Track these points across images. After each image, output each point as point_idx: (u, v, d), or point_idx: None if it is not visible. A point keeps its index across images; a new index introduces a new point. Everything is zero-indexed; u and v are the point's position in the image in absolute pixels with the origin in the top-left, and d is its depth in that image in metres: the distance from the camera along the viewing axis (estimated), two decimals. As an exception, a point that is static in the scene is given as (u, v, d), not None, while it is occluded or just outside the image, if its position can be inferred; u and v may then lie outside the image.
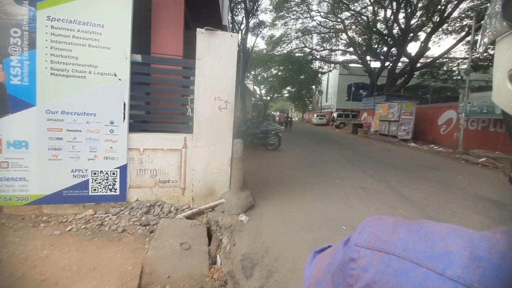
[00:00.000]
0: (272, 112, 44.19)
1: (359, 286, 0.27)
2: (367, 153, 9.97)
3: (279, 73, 36.70)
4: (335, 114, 29.84)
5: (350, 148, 11.07)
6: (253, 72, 40.53)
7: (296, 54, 30.06)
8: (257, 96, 47.31)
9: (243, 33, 16.08)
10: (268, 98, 47.25)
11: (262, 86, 45.74)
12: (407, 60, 20.26)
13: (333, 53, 31.48)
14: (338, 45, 29.84)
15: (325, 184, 5.23)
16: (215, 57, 3.48)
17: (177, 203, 3.61)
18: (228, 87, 3.59)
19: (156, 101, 3.68)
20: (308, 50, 30.01)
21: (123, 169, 3.35)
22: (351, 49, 26.68)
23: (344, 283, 0.29)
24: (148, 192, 3.52)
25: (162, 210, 3.44)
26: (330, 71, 34.10)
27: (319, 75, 36.77)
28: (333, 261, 0.33)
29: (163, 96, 3.67)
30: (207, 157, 3.58)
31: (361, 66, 26.28)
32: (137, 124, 3.55)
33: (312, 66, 32.64)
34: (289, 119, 21.93)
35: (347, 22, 24.82)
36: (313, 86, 46.30)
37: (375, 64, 26.72)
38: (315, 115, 35.17)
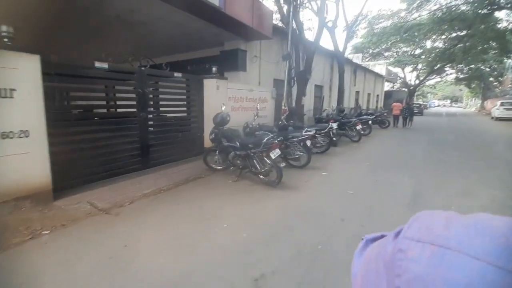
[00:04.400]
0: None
1: (407, 277, 0.26)
2: None
3: (430, 43, 25.28)
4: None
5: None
6: (395, 51, 30.62)
7: (462, 8, 18.85)
8: (399, 80, 35.88)
9: None
10: (417, 81, 34.70)
11: (410, 67, 33.89)
12: None
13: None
14: None
15: None
16: None
17: None
18: None
19: None
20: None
21: None
22: None
23: (393, 273, 0.28)
24: None
25: None
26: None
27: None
28: (383, 252, 0.31)
29: None
30: None
31: None
32: None
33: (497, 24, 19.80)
34: (406, 113, 13.88)
35: None
36: (506, 59, 29.55)
37: None
38: (497, 104, 21.29)
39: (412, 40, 25.07)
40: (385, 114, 14.28)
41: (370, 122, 10.59)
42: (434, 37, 24.79)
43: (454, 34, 22.28)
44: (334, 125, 7.74)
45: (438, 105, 71.70)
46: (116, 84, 4.43)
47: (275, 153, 3.96)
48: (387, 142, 9.12)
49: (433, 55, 27.68)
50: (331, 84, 14.83)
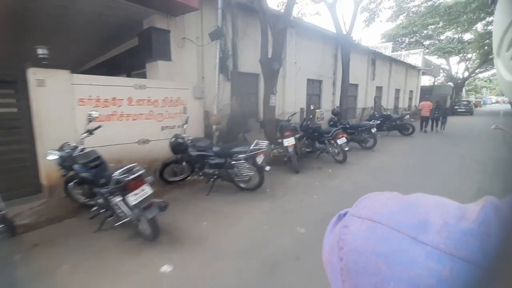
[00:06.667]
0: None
1: (347, 249, 0.29)
2: None
3: (482, 26, 20.05)
4: None
5: None
6: (437, 39, 25.48)
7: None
8: (442, 73, 30.13)
9: None
10: (466, 74, 28.75)
11: (457, 56, 28.09)
12: None
13: None
14: None
15: None
16: None
17: None
18: None
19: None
20: None
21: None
22: None
23: (338, 247, 0.31)
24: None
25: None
26: None
27: None
28: (338, 228, 0.34)
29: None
30: None
31: None
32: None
33: None
34: (437, 113, 10.18)
35: None
36: None
37: None
38: None
39: (456, 22, 20.07)
40: (408, 116, 10.56)
41: (373, 130, 7.25)
42: (488, 18, 19.58)
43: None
44: (289, 141, 4.80)
45: (496, 102, 60.95)
46: None
47: None
48: (390, 165, 5.80)
49: (486, 41, 22.20)
50: (334, 78, 11.49)
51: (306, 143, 6.76)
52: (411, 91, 21.41)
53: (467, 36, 24.70)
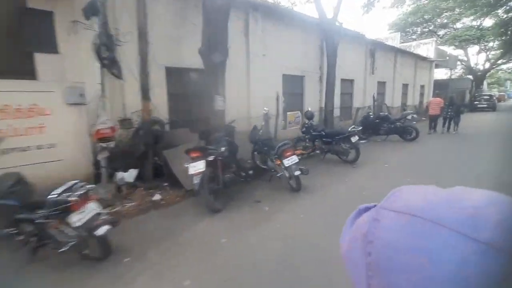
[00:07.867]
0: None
1: (378, 244, 0.27)
2: None
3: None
4: None
5: None
6: (453, 28, 22.83)
7: None
8: (460, 65, 27.14)
9: None
10: (487, 65, 25.76)
11: (476, 46, 25.09)
12: None
13: None
14: None
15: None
16: None
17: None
18: None
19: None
20: None
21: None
22: None
23: (366, 240, 0.29)
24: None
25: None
26: None
27: None
28: (365, 221, 0.32)
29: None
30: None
31: None
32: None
33: None
34: (450, 112, 8.37)
35: None
36: None
37: None
38: None
39: (473, 6, 17.55)
40: (411, 116, 8.48)
41: (354, 139, 5.37)
42: (510, 3, 16.97)
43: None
44: (195, 166, 3.15)
45: (523, 95, 55.95)
46: None
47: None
48: (367, 194, 3.92)
49: (510, 27, 19.48)
50: (321, 73, 9.58)
51: (259, 159, 5.05)
52: (422, 86, 18.95)
53: (487, 23, 21.85)
